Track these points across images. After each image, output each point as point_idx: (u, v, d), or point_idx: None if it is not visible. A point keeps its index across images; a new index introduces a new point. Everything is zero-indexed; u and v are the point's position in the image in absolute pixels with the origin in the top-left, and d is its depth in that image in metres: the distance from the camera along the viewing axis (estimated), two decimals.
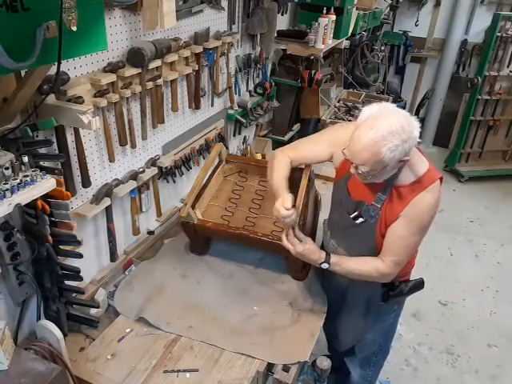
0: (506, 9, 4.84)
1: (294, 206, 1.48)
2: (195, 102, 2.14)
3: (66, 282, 1.45)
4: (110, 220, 1.73)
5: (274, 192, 1.58)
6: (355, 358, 2.02)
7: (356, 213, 1.55)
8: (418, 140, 1.33)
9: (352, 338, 1.93)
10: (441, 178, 1.46)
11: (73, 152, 1.49)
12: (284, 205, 1.44)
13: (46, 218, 1.27)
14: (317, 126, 3.39)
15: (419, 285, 1.74)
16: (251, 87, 2.78)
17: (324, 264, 1.53)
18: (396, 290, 1.70)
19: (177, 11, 1.64)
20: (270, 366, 1.53)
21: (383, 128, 1.27)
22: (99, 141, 1.63)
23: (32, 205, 1.21)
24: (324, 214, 1.90)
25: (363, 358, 2.01)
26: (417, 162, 1.44)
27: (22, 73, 1.17)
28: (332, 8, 2.95)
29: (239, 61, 2.53)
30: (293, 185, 1.71)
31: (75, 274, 1.43)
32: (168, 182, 2.12)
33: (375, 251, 1.58)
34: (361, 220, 1.54)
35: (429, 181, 1.43)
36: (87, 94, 1.45)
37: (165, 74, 1.81)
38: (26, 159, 1.16)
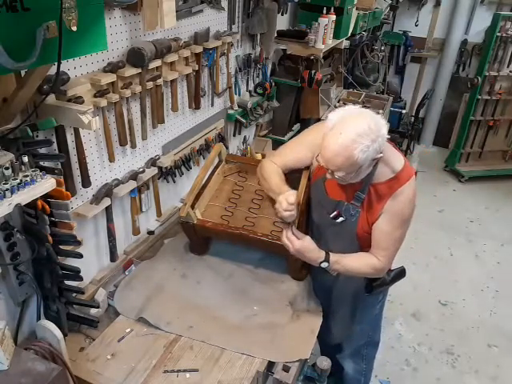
0: (506, 9, 4.84)
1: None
2: (195, 102, 2.14)
3: (66, 282, 1.45)
4: (109, 220, 1.73)
5: (276, 193, 1.58)
6: (345, 353, 2.05)
7: (335, 212, 1.58)
8: (387, 136, 1.37)
9: (342, 332, 1.96)
10: (415, 173, 1.53)
11: (73, 152, 1.49)
12: (288, 199, 1.45)
13: (46, 218, 1.27)
14: None
15: (401, 273, 1.80)
16: (251, 87, 2.78)
17: (324, 263, 1.53)
18: (378, 280, 1.74)
19: (177, 11, 1.63)
20: (270, 366, 1.53)
21: (351, 131, 1.30)
22: (99, 141, 1.63)
23: (32, 205, 1.20)
24: None
25: (353, 351, 2.04)
26: (391, 157, 1.48)
27: (22, 73, 1.17)
28: (332, 8, 2.95)
29: (239, 61, 2.53)
30: (292, 185, 1.70)
31: (75, 274, 1.43)
32: (168, 182, 2.12)
33: (356, 249, 1.62)
34: (341, 219, 1.58)
35: (406, 177, 1.48)
36: (87, 94, 1.45)
37: (165, 74, 1.81)
38: (26, 159, 1.16)
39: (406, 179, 1.47)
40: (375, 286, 1.74)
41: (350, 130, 1.31)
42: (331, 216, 1.59)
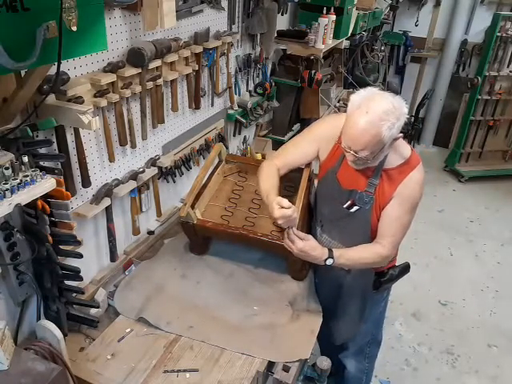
0: (506, 9, 4.84)
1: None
2: (195, 102, 2.14)
3: (66, 282, 1.45)
4: (109, 220, 1.73)
5: (265, 201, 1.56)
6: (349, 352, 2.05)
7: (349, 202, 1.59)
8: (407, 116, 1.42)
9: (350, 331, 1.96)
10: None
11: (73, 152, 1.49)
12: (282, 205, 1.43)
13: (45, 217, 1.27)
14: None
15: (406, 268, 1.82)
16: (251, 87, 2.78)
17: (329, 259, 1.53)
18: (386, 276, 1.76)
19: (177, 11, 1.63)
20: (270, 366, 1.53)
21: (378, 109, 1.34)
22: (99, 141, 1.63)
23: (32, 205, 1.20)
24: None
25: (357, 350, 2.04)
26: (400, 145, 1.53)
27: (22, 73, 1.17)
28: (332, 8, 2.95)
29: (239, 61, 2.53)
30: (292, 185, 1.71)
31: (75, 274, 1.43)
32: (168, 182, 2.12)
33: (371, 237, 1.62)
34: (355, 208, 1.59)
35: (415, 162, 1.53)
36: (87, 94, 1.45)
37: (165, 74, 1.80)
38: (25, 159, 1.16)
39: (415, 164, 1.53)
40: (383, 281, 1.75)
41: (376, 109, 1.34)
42: (345, 206, 1.60)
